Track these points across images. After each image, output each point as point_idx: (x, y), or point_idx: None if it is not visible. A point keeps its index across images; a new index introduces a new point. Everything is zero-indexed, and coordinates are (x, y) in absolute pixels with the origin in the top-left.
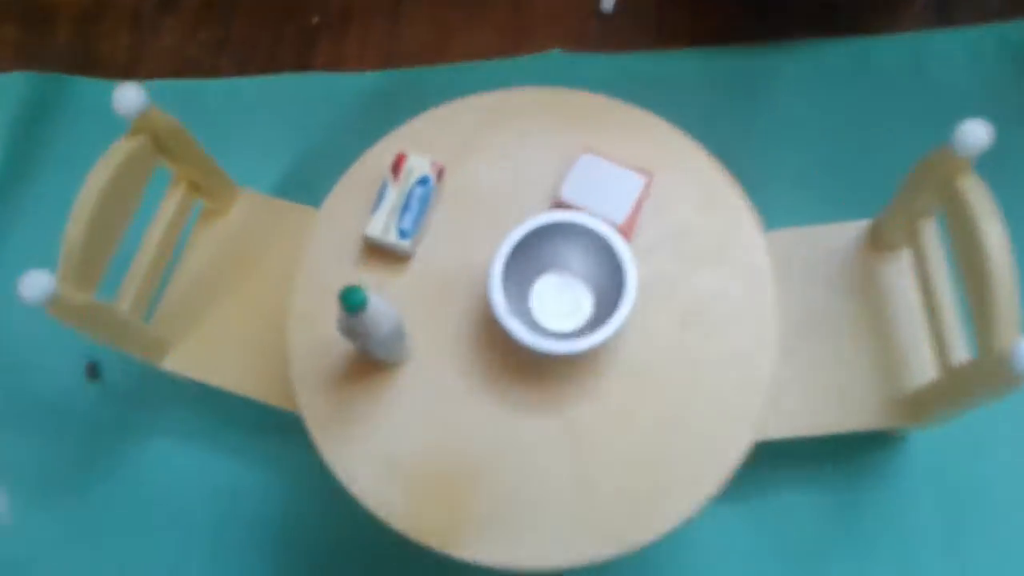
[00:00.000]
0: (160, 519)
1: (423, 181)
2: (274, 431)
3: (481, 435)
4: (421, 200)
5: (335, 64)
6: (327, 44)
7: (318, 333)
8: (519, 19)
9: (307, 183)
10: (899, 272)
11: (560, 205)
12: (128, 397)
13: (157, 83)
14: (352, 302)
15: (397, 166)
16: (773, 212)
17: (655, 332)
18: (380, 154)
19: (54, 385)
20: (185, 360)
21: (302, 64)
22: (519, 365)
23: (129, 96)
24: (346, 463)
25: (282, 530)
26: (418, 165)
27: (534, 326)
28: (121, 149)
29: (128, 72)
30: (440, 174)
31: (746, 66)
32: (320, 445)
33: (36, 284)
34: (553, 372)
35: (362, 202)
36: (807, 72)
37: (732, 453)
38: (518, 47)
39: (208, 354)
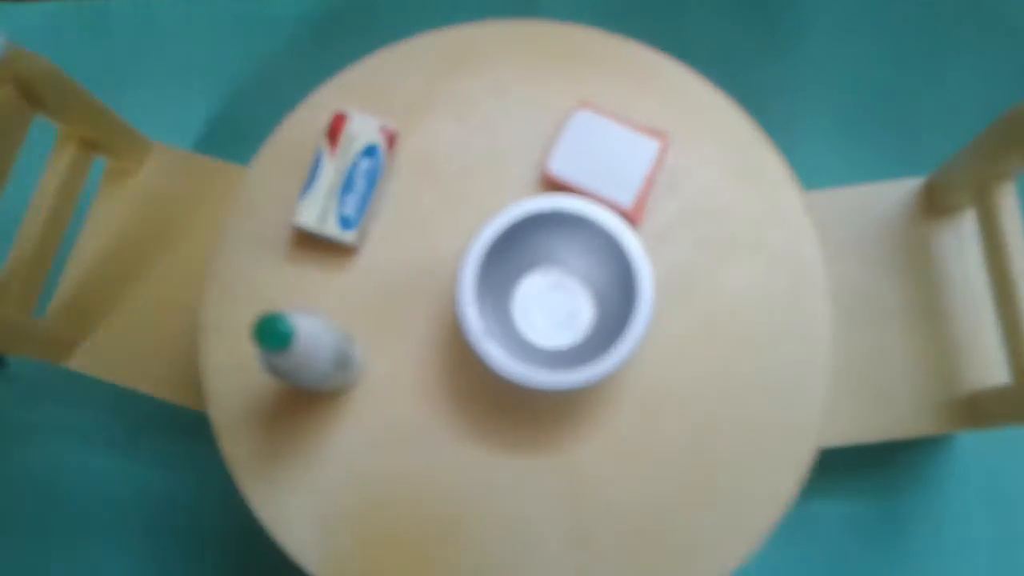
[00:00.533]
0: (77, 532)
1: (369, 151)
2: (205, 433)
3: (452, 479)
4: (368, 177)
5: None
6: None
7: (239, 349)
8: None
9: (236, 131)
10: (958, 240)
11: (549, 181)
12: (38, 390)
13: (52, 5)
14: (273, 339)
15: (334, 131)
16: (801, 168)
17: (673, 343)
18: (313, 110)
19: None
20: (95, 360)
21: None
22: (500, 389)
23: None
24: (280, 512)
25: (220, 540)
26: (363, 130)
27: (519, 344)
28: None
29: None
30: (391, 141)
31: None
32: (246, 490)
33: None
34: (544, 399)
35: (292, 175)
36: None
37: (773, 505)
38: None
39: (122, 351)
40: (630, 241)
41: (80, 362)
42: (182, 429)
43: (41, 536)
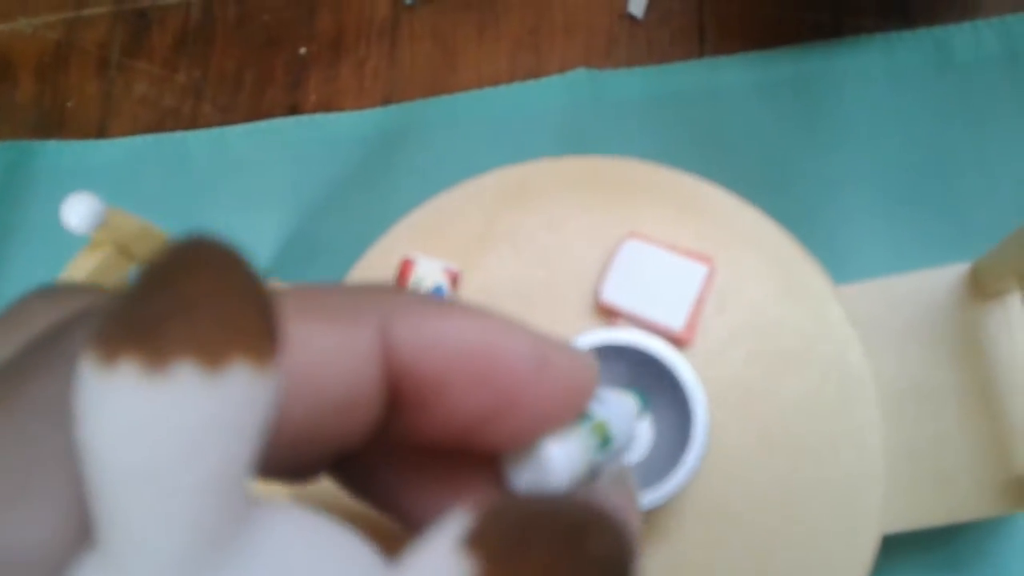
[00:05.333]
0: None
1: (436, 292)
2: None
3: None
4: None
5: (329, 102)
6: (318, 78)
7: None
8: (536, 31)
9: (308, 252)
10: (1007, 321)
11: (603, 308)
12: None
13: (136, 140)
14: None
15: (403, 277)
16: (847, 259)
17: (732, 456)
18: (383, 253)
19: None
20: None
21: (293, 104)
22: None
23: (80, 210)
24: None
25: None
26: (428, 272)
27: None
28: (79, 269)
29: (102, 130)
30: (455, 280)
31: (807, 71)
32: None
33: None
34: None
35: None
36: (879, 73)
37: None
38: (538, 65)
39: None
40: (684, 372)
41: None
42: None
43: None
